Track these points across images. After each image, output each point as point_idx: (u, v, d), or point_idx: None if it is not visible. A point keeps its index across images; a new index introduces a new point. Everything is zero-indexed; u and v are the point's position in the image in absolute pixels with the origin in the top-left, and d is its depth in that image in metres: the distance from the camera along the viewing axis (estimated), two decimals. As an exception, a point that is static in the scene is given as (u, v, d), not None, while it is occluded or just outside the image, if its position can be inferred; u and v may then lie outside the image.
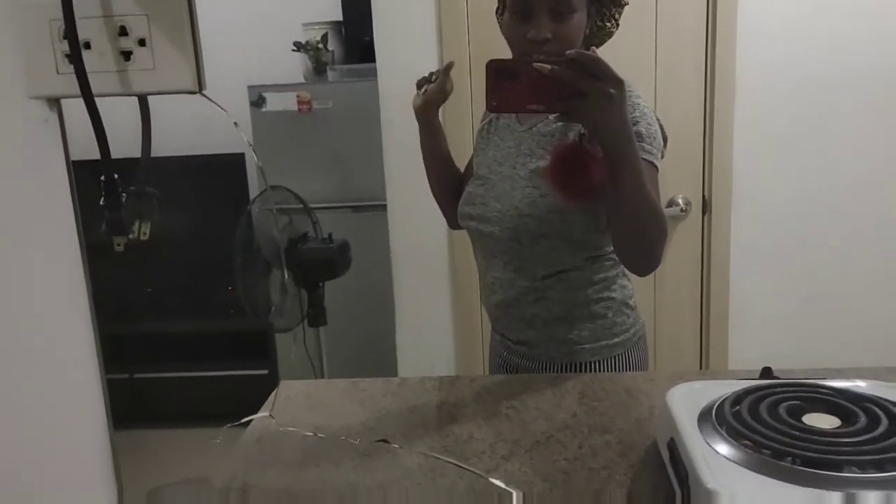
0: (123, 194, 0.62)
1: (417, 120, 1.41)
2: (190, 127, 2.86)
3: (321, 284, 2.24)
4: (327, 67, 2.97)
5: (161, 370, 3.19)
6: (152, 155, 0.70)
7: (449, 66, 1.35)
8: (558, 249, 1.27)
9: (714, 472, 0.70)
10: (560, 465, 0.90)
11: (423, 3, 2.21)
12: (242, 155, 3.16)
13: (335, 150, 2.89)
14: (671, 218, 2.27)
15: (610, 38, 1.29)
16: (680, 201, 2.27)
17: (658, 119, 1.25)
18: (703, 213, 2.30)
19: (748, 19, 2.16)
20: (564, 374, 1.29)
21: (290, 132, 2.87)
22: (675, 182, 2.25)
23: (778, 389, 0.84)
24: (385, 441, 0.97)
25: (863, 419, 0.77)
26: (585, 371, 1.29)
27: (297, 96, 2.85)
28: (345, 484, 0.88)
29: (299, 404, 1.12)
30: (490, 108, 0.97)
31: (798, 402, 0.82)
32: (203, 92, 0.60)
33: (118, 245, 0.62)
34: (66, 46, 0.58)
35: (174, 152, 2.86)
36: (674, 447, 0.80)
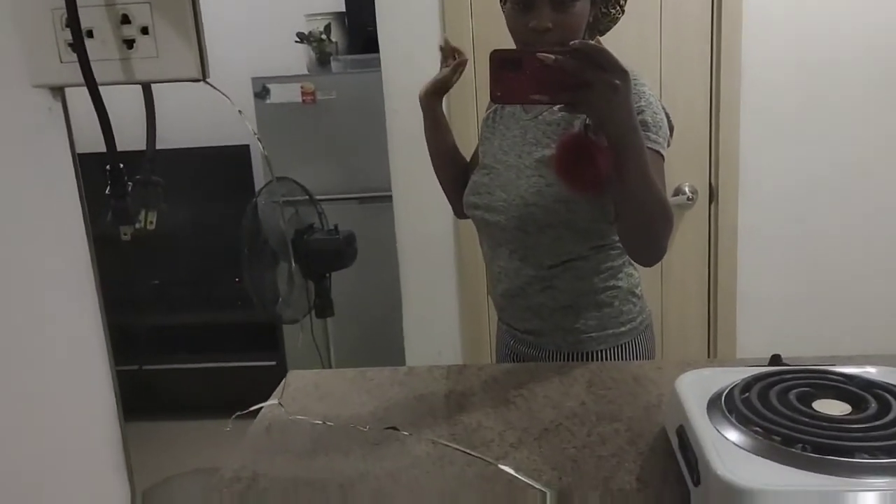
0: (129, 183, 0.62)
1: (421, 109, 1.41)
2: (194, 118, 2.86)
3: (328, 275, 2.24)
4: (331, 58, 2.96)
5: (168, 362, 3.20)
6: (157, 147, 0.69)
7: (459, 63, 1.34)
8: (564, 239, 1.26)
9: (724, 458, 0.70)
10: (569, 453, 0.90)
11: (427, -8, 2.20)
12: (247, 146, 3.16)
13: (340, 141, 2.88)
14: (678, 206, 2.26)
15: (616, 23, 1.28)
16: (686, 189, 2.26)
17: (664, 108, 1.25)
18: (710, 202, 2.29)
19: (754, 5, 2.14)
20: (572, 362, 1.29)
21: (294, 123, 2.87)
22: (681, 170, 2.24)
23: (788, 376, 0.84)
24: (394, 429, 0.97)
25: (873, 405, 0.77)
26: (592, 360, 1.29)
27: (301, 87, 2.84)
28: (354, 472, 0.88)
29: (308, 394, 1.12)
30: (494, 98, 0.96)
31: (808, 389, 0.81)
32: (207, 80, 0.59)
33: (125, 234, 0.62)
34: (68, 35, 0.57)
35: (178, 144, 2.86)
36: (683, 434, 0.80)
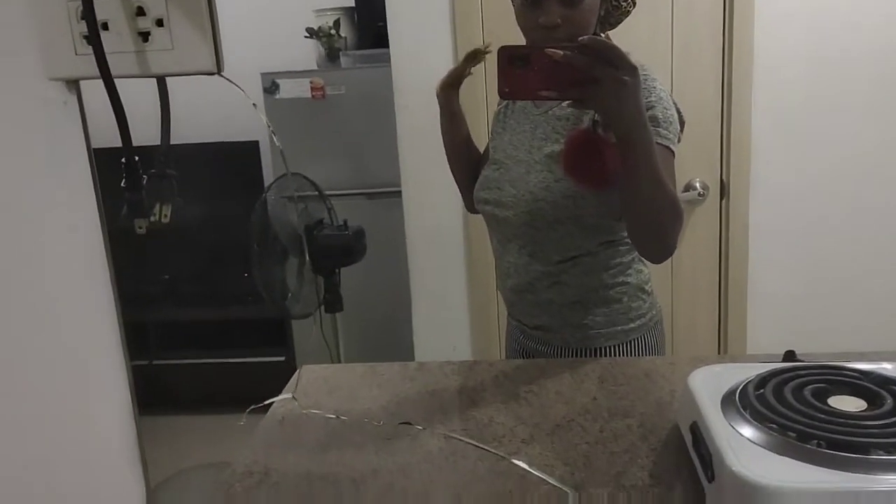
0: (144, 177, 0.62)
1: (438, 103, 1.40)
2: (203, 114, 2.86)
3: (337, 271, 2.25)
4: (340, 53, 2.96)
5: (177, 357, 3.21)
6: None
7: (473, 54, 1.34)
8: (573, 234, 1.26)
9: (739, 455, 0.70)
10: (581, 449, 0.90)
11: (437, -13, 2.19)
12: (256, 142, 3.16)
13: (349, 137, 2.88)
14: (688, 202, 2.24)
15: (627, 16, 1.27)
16: (697, 185, 2.25)
17: (675, 103, 1.24)
18: (721, 197, 2.27)
19: (766, -2, 2.12)
20: (583, 358, 1.29)
21: (303, 119, 2.87)
22: (691, 166, 2.22)
23: (802, 372, 0.83)
24: (409, 423, 0.97)
25: (889, 402, 0.76)
26: (601, 356, 1.29)
27: (311, 83, 2.84)
28: (366, 467, 0.88)
29: (319, 388, 1.12)
30: (502, 94, 0.96)
31: (823, 385, 0.81)
32: (222, 73, 0.59)
33: (140, 227, 0.62)
34: (83, 27, 0.57)
35: (187, 139, 2.87)
36: (697, 430, 0.79)
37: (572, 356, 1.31)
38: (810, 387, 0.80)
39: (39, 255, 0.62)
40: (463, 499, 0.82)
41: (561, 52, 0.90)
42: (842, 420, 0.73)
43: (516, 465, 0.86)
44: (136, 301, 3.05)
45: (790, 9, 2.13)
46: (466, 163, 1.48)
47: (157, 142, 0.69)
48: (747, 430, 0.74)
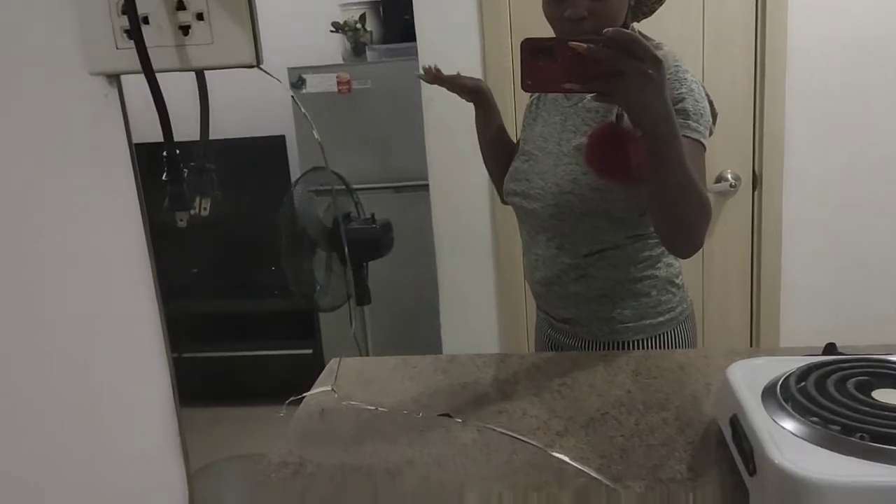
0: (185, 170, 0.63)
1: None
2: (231, 111, 2.88)
3: (365, 264, 2.25)
4: (366, 48, 2.96)
5: (205, 350, 3.25)
6: (198, 137, 0.69)
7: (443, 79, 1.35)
8: (600, 227, 1.25)
9: (782, 448, 0.69)
10: (617, 442, 0.89)
11: (464, -20, 2.19)
12: (283, 137, 3.18)
13: (375, 131, 2.88)
14: (720, 194, 2.22)
15: (661, 5, 1.26)
16: (729, 176, 2.21)
17: (707, 94, 1.22)
18: (753, 189, 2.24)
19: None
20: (616, 350, 1.28)
21: (330, 113, 2.88)
22: (723, 157, 2.19)
23: (845, 365, 0.82)
24: (448, 415, 0.97)
25: (935, 395, 0.75)
26: (630, 350, 1.28)
27: (337, 77, 2.85)
28: (401, 459, 0.88)
29: (351, 381, 1.12)
30: (524, 87, 0.95)
31: (867, 378, 0.79)
32: (261, 66, 0.59)
33: (181, 220, 0.63)
34: (124, 21, 0.58)
35: (214, 135, 2.88)
36: (737, 424, 0.78)
37: (600, 350, 1.30)
38: (853, 379, 0.78)
39: (82, 249, 0.63)
40: (499, 491, 0.82)
41: (584, 45, 0.89)
42: (886, 413, 0.72)
43: (554, 457, 0.86)
44: (165, 294, 3.09)
45: (825, -6, 2.09)
46: (500, 154, 1.47)
47: (188, 139, 0.69)
48: (789, 424, 0.73)
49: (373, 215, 2.29)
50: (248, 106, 3.06)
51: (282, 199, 2.24)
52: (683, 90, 1.16)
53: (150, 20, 0.59)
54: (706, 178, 1.19)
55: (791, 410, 0.74)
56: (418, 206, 2.49)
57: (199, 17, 0.59)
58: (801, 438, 0.71)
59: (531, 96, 1.43)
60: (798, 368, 0.82)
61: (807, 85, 2.14)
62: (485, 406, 1.02)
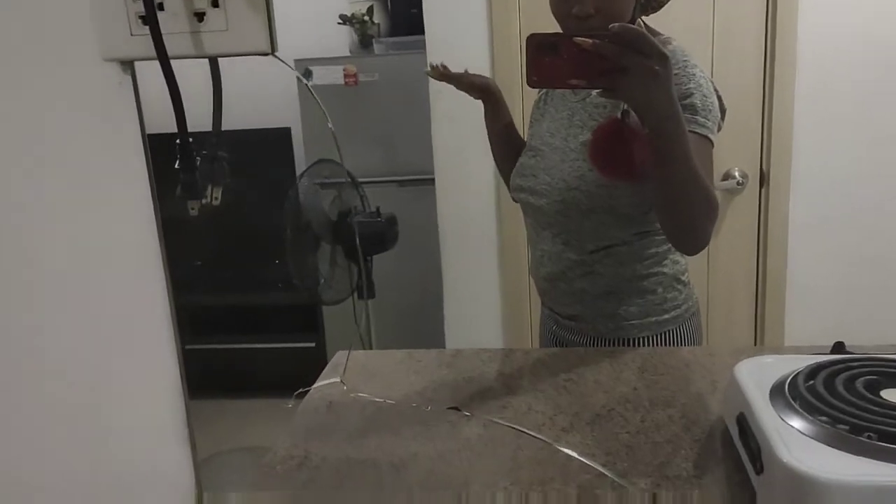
0: (198, 158, 0.63)
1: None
2: (236, 102, 2.87)
3: (369, 258, 2.25)
4: (373, 40, 2.96)
5: (208, 342, 3.25)
6: (209, 128, 0.69)
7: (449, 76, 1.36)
8: (606, 224, 1.24)
9: (789, 446, 0.68)
10: (623, 439, 0.89)
11: (472, -26, 2.18)
12: (288, 129, 3.17)
13: (382, 124, 2.88)
14: (727, 191, 2.21)
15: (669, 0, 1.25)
16: (736, 174, 2.21)
17: (716, 90, 1.21)
18: (761, 187, 2.23)
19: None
20: (622, 347, 1.28)
21: (336, 105, 2.87)
22: (731, 154, 2.19)
23: (854, 364, 0.82)
24: (456, 409, 0.97)
25: (944, 396, 0.74)
26: (635, 347, 1.27)
27: (344, 69, 2.84)
28: (406, 452, 0.88)
29: (356, 374, 1.12)
30: (530, 83, 0.94)
31: (875, 377, 0.79)
32: (276, 53, 0.59)
33: (192, 209, 0.63)
34: (139, 7, 0.58)
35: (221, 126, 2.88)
36: (744, 422, 0.78)
37: (605, 346, 1.30)
38: (862, 379, 0.78)
39: (94, 237, 0.63)
40: (504, 486, 0.82)
41: (589, 41, 0.88)
42: (895, 413, 0.71)
43: (559, 452, 0.86)
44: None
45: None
46: (509, 151, 1.47)
47: (195, 129, 0.69)
48: (797, 422, 0.73)
49: (378, 209, 2.28)
50: (253, 97, 3.05)
51: (287, 192, 2.24)
52: (692, 85, 1.16)
53: (166, 6, 0.59)
54: (714, 174, 1.19)
55: (799, 409, 0.74)
56: (423, 201, 2.49)
57: (215, 3, 0.59)
58: (810, 437, 0.70)
59: (539, 92, 1.42)
60: (807, 367, 0.81)
61: (816, 83, 2.13)
62: (490, 401, 1.02)
